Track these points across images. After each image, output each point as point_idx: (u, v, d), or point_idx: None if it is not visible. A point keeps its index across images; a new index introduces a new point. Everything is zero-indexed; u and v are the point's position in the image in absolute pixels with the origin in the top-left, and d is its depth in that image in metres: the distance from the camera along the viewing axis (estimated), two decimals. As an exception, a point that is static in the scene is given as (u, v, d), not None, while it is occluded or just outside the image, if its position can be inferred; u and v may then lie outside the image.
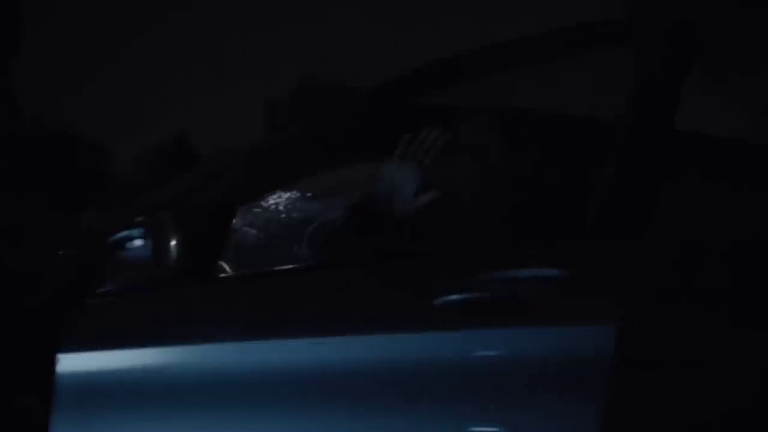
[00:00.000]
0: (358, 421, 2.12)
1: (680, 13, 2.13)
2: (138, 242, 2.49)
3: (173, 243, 2.51)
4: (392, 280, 2.19)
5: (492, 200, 2.42)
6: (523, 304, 1.95)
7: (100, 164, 4.09)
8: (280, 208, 3.32)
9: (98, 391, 2.60)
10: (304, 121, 2.93)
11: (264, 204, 3.41)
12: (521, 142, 2.47)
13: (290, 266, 2.77)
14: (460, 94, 2.59)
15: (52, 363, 2.66)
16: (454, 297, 2.01)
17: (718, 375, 1.82)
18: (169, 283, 2.56)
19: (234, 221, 2.97)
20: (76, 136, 4.07)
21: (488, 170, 2.46)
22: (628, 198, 1.95)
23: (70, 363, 2.66)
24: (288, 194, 3.35)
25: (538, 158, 2.42)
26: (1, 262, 3.14)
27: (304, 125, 2.82)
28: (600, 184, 2.02)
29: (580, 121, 2.51)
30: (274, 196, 3.37)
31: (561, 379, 1.87)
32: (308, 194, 3.35)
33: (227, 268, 2.92)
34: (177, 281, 2.55)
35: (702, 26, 2.12)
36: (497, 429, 1.94)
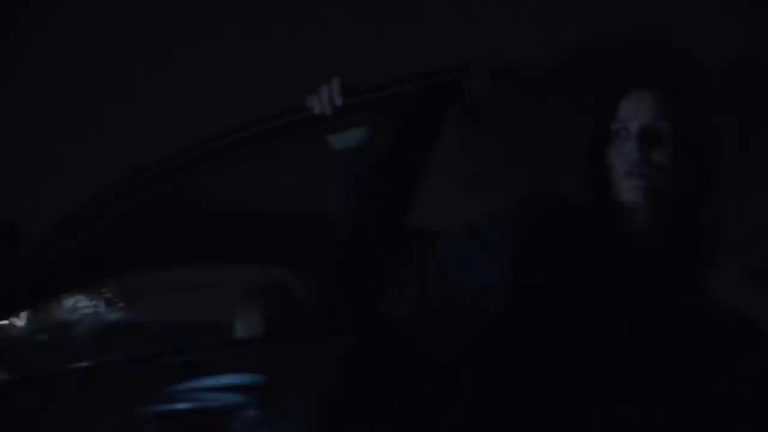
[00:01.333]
0: None
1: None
2: None
3: None
4: (99, 391, 2.17)
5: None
6: (219, 416, 1.95)
7: None
8: (70, 311, 3.32)
9: None
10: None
11: (57, 306, 3.38)
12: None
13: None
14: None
15: None
16: (152, 408, 2.02)
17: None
18: None
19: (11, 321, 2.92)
20: None
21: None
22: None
23: None
24: (81, 297, 3.34)
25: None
26: None
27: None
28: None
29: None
30: (68, 299, 3.35)
31: None
32: (103, 298, 3.34)
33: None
34: None
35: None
36: None
